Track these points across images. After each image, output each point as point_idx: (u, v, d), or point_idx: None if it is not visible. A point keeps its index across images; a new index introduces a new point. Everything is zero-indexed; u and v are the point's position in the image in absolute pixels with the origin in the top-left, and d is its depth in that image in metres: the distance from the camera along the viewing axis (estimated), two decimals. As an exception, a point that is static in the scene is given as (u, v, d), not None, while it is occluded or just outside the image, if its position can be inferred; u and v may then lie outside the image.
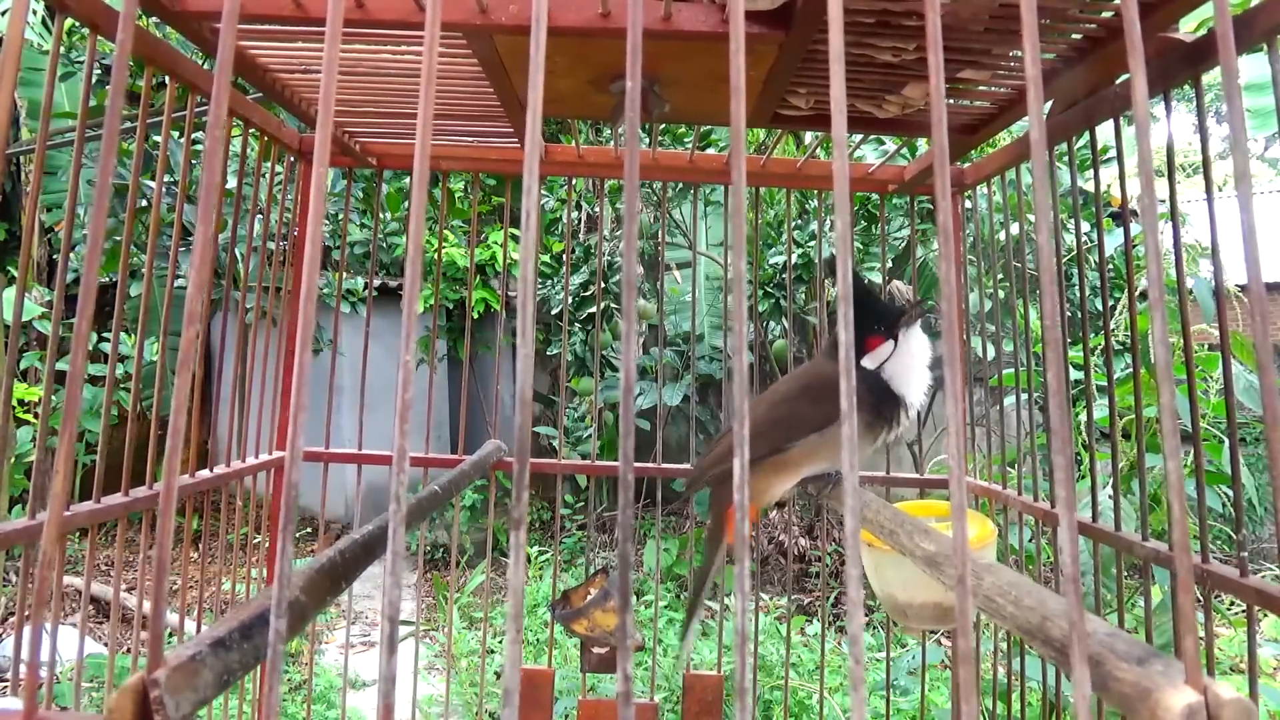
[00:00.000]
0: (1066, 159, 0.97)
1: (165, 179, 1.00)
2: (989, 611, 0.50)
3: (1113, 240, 2.54)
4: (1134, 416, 0.91)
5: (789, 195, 1.48)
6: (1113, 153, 0.98)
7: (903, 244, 3.75)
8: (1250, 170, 0.33)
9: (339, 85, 1.03)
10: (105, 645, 3.22)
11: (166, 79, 0.91)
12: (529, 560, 3.86)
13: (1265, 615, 1.06)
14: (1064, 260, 1.31)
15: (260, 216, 1.18)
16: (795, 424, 1.03)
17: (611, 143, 1.37)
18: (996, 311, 1.30)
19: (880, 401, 1.06)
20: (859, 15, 0.74)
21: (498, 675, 3.01)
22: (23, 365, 3.92)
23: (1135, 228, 1.35)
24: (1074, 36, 0.80)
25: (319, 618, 0.95)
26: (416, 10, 0.74)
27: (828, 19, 0.30)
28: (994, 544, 1.03)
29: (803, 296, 4.14)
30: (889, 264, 3.89)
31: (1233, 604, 2.48)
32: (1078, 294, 1.52)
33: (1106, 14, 0.75)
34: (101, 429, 0.87)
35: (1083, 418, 1.04)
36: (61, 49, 0.76)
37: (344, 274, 2.80)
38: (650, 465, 1.32)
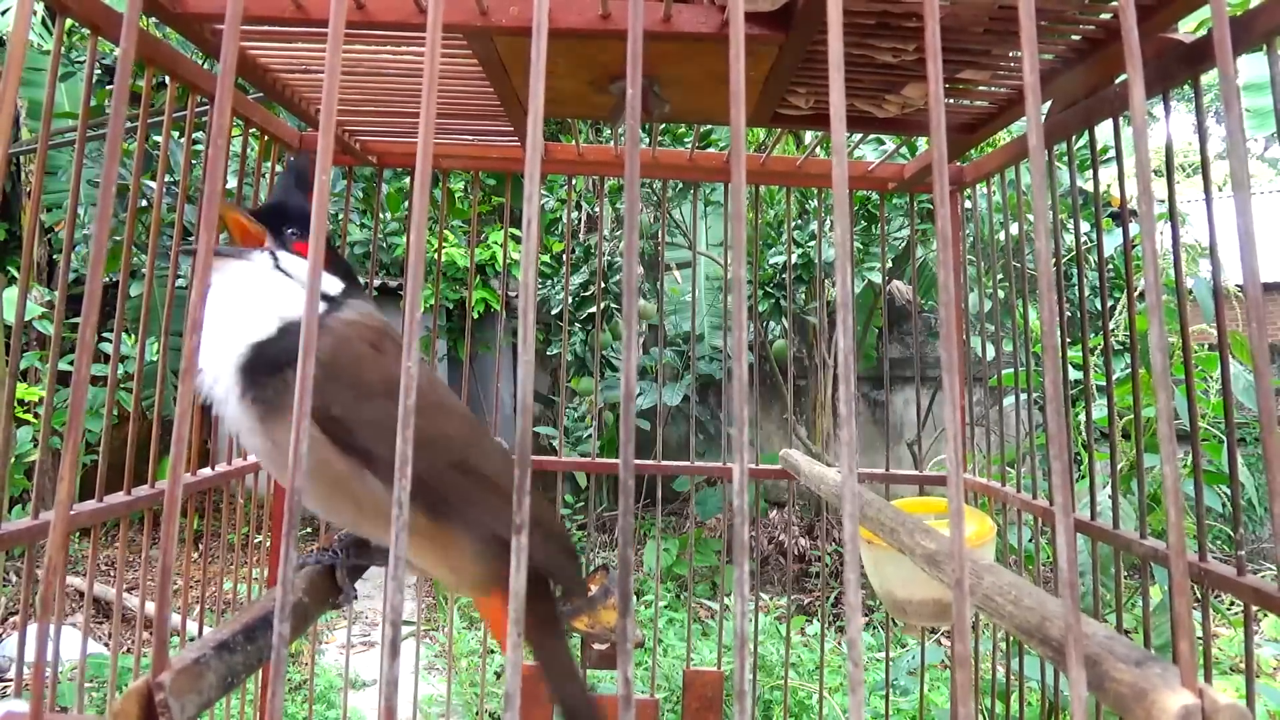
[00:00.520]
0: (1066, 159, 0.97)
1: (166, 179, 1.00)
2: (988, 611, 0.50)
3: (1112, 240, 2.54)
4: (1133, 416, 0.91)
5: (789, 194, 1.48)
6: (1112, 153, 0.99)
7: (903, 244, 3.75)
8: (1249, 174, 0.33)
9: (339, 85, 1.03)
10: (105, 645, 3.23)
11: (167, 79, 0.91)
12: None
13: (1264, 615, 1.06)
14: (1064, 260, 1.32)
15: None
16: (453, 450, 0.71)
17: (611, 142, 1.37)
18: (996, 311, 1.30)
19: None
20: (859, 16, 0.74)
21: (498, 675, 3.02)
22: (22, 365, 3.92)
23: (1134, 228, 1.35)
24: (1073, 38, 0.80)
25: (320, 618, 0.95)
26: (417, 12, 0.75)
27: (827, 21, 0.30)
28: (993, 541, 1.03)
29: (803, 296, 4.14)
30: (889, 264, 3.89)
31: (1232, 604, 2.48)
32: (1077, 294, 1.52)
33: (1105, 15, 0.75)
34: (104, 429, 0.88)
35: (1082, 418, 1.04)
36: (61, 49, 0.76)
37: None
38: (650, 463, 1.32)
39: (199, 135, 1.53)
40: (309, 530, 4.60)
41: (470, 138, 1.28)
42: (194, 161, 1.37)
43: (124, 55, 0.31)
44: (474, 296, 1.28)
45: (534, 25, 0.29)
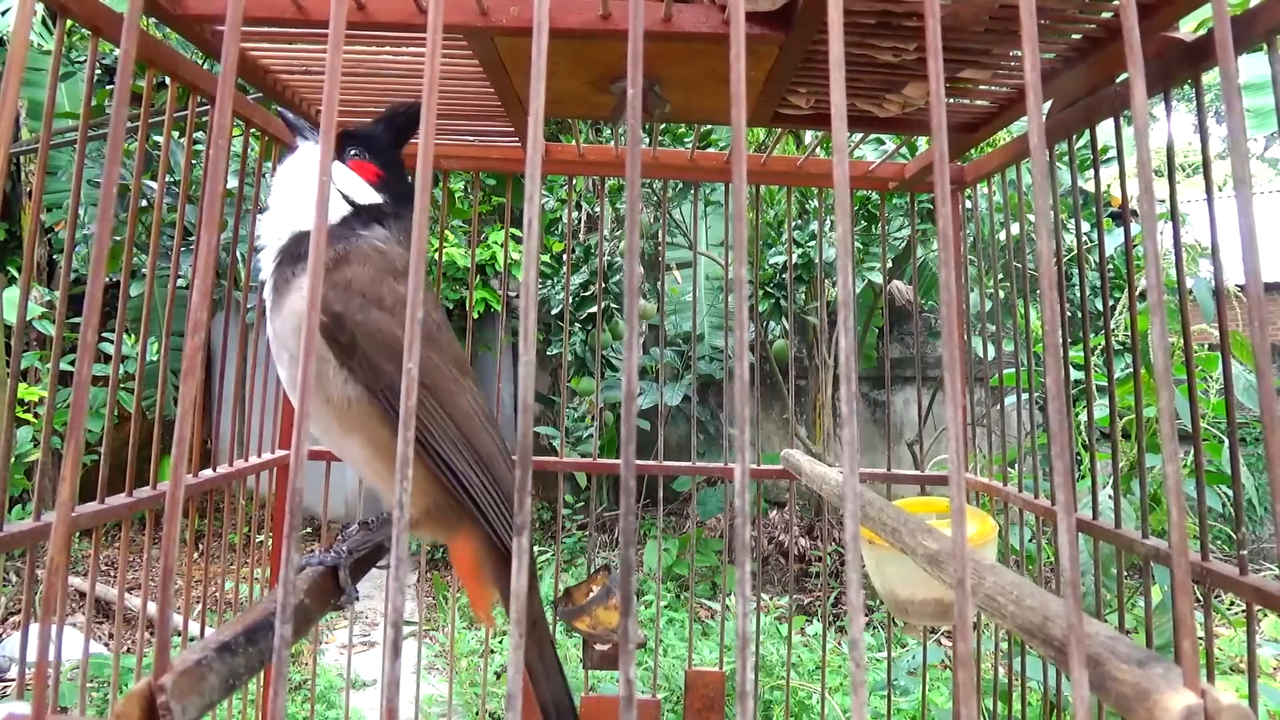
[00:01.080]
0: (1067, 158, 0.97)
1: (166, 179, 1.00)
2: (990, 611, 0.50)
3: (1113, 240, 2.54)
4: (1134, 416, 0.91)
5: (789, 194, 1.48)
6: (1113, 152, 0.98)
7: (903, 244, 3.75)
8: (1250, 173, 0.33)
9: (340, 85, 1.03)
10: (106, 646, 3.23)
11: (167, 80, 0.91)
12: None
13: (1265, 615, 1.06)
14: (1064, 260, 1.32)
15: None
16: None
17: (612, 142, 1.37)
18: (997, 311, 1.30)
19: None
20: (859, 16, 0.74)
21: (498, 675, 3.02)
22: (22, 365, 3.92)
23: (1135, 228, 1.35)
24: (1074, 36, 0.80)
25: (321, 618, 0.95)
26: (417, 13, 0.75)
27: (828, 21, 0.30)
28: (995, 541, 1.03)
29: (803, 296, 4.14)
30: (889, 264, 3.89)
31: (1233, 604, 2.48)
32: (1078, 294, 1.52)
33: (1106, 14, 0.75)
34: (105, 429, 0.88)
35: (1083, 417, 1.04)
36: (62, 50, 0.76)
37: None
38: (651, 463, 1.32)
39: (199, 136, 1.53)
40: (310, 530, 4.61)
41: (471, 138, 1.28)
42: (194, 162, 1.36)
43: (124, 56, 0.31)
44: (474, 296, 1.28)
45: (534, 25, 0.29)
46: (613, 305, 4.59)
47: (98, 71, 0.84)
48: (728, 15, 0.73)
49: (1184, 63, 0.75)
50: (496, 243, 4.94)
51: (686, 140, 3.51)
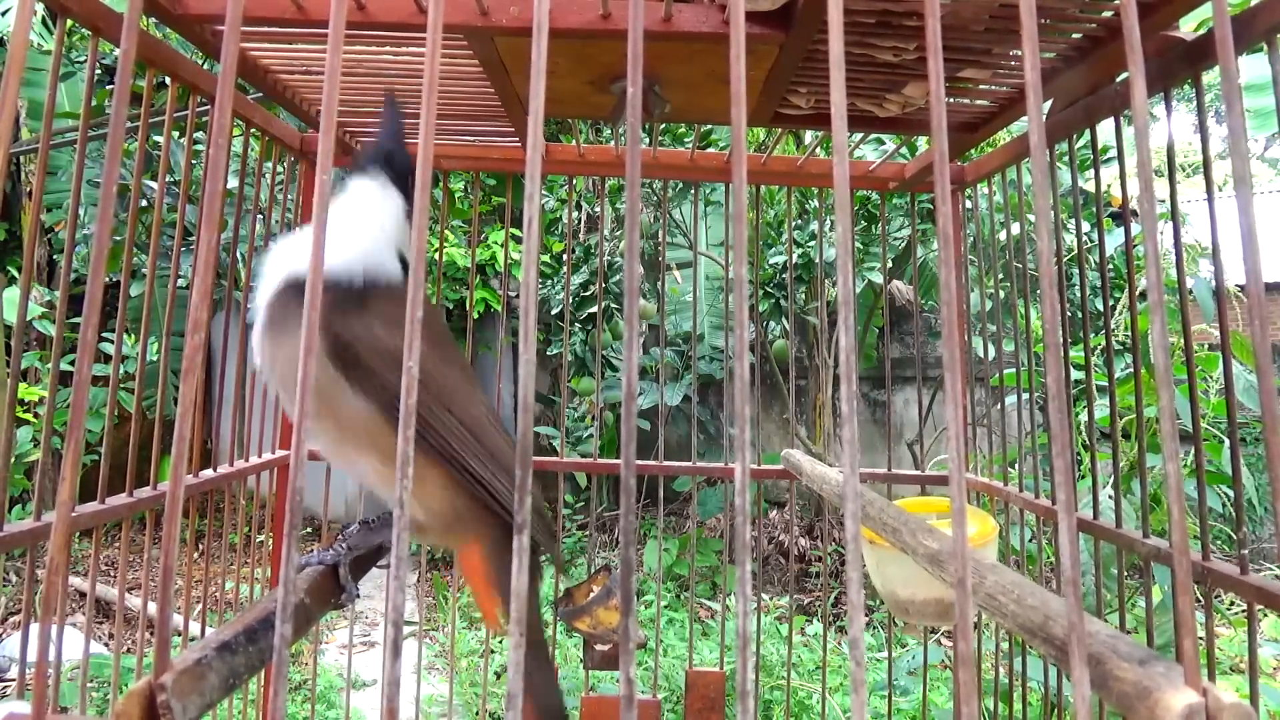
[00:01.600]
0: (1067, 158, 0.97)
1: (166, 179, 1.00)
2: (991, 610, 0.50)
3: (1113, 240, 2.54)
4: (1135, 416, 0.91)
5: (789, 194, 1.48)
6: (1113, 152, 0.98)
7: (903, 244, 3.75)
8: (1250, 173, 0.33)
9: (340, 85, 1.03)
10: (106, 646, 3.23)
11: (167, 80, 0.91)
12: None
13: (1265, 614, 1.06)
14: (1065, 260, 1.32)
15: (261, 217, 1.19)
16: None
17: (612, 142, 1.37)
18: (997, 311, 1.30)
19: None
20: (860, 15, 0.74)
21: (498, 675, 3.02)
22: (22, 365, 3.92)
23: (1135, 227, 1.35)
24: (1074, 36, 0.80)
25: (321, 618, 0.95)
26: (417, 13, 0.75)
27: (828, 21, 0.30)
28: (995, 541, 1.03)
29: (803, 296, 4.14)
30: (889, 264, 3.89)
31: (1233, 604, 2.48)
32: (1078, 294, 1.52)
33: (1106, 13, 0.75)
34: (105, 429, 0.88)
35: (1084, 417, 1.04)
36: (62, 50, 0.76)
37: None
38: (651, 463, 1.32)
39: (200, 136, 1.53)
40: (310, 530, 4.61)
41: (471, 138, 1.28)
42: (194, 162, 1.36)
43: (124, 56, 0.31)
44: (474, 296, 1.28)
45: (534, 25, 0.29)
46: (613, 305, 4.59)
47: (98, 71, 0.84)
48: (728, 15, 0.73)
49: (1184, 62, 0.75)
50: (496, 243, 4.94)
51: (686, 140, 3.51)
